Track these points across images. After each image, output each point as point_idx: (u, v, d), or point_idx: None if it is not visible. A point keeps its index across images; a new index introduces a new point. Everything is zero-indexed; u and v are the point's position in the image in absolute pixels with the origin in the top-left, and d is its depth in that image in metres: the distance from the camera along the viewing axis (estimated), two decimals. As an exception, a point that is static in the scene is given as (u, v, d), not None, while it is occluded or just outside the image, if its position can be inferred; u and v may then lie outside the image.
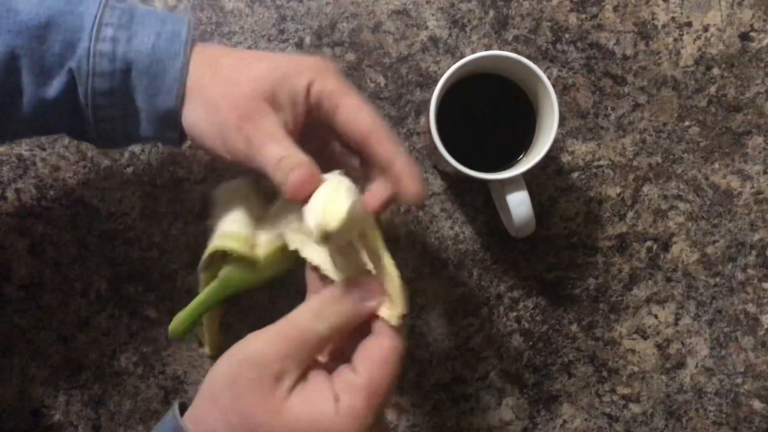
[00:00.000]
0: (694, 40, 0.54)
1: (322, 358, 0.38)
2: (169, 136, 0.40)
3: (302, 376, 0.34)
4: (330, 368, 0.36)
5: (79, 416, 0.52)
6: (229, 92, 0.37)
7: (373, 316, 0.36)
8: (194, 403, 0.35)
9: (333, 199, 0.34)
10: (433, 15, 0.54)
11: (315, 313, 0.35)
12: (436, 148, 0.45)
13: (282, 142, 0.36)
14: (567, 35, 0.54)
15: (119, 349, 0.52)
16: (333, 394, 0.33)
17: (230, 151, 0.37)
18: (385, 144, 0.38)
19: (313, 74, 0.38)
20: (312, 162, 0.36)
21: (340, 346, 0.38)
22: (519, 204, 0.46)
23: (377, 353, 0.35)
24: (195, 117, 0.38)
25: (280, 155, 0.36)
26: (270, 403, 0.33)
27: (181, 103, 0.38)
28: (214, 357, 0.46)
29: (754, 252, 0.54)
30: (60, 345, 0.52)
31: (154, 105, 0.38)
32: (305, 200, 0.35)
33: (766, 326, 0.54)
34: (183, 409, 0.35)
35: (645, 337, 0.54)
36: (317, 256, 0.38)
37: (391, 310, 0.36)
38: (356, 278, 0.36)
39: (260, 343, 0.34)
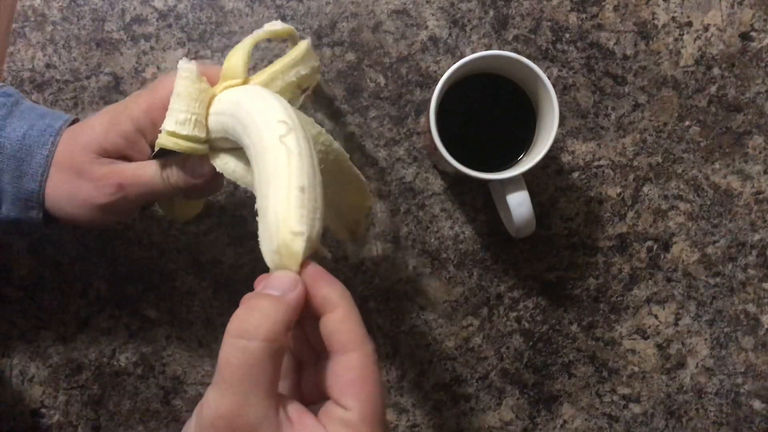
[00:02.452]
0: (695, 39, 0.54)
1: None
2: (32, 217, 0.42)
3: (280, 416, 0.29)
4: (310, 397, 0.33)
5: (79, 416, 0.52)
6: (76, 168, 0.41)
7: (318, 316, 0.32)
8: None
9: (286, 214, 0.32)
10: (433, 15, 0.54)
11: (242, 331, 0.29)
12: (436, 148, 0.45)
13: (148, 167, 0.41)
14: (567, 35, 0.54)
15: (119, 349, 0.52)
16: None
17: (115, 212, 0.41)
18: None
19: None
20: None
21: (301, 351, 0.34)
22: (519, 204, 0.46)
23: (355, 374, 0.30)
24: (67, 203, 0.41)
25: (158, 169, 0.41)
26: None
27: (45, 185, 0.41)
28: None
29: (754, 252, 0.54)
30: (60, 345, 0.52)
31: (19, 186, 0.41)
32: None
33: (766, 326, 0.54)
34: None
35: (645, 337, 0.54)
36: (232, 164, 0.39)
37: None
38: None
39: (213, 407, 0.29)
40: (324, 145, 0.40)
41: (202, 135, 0.39)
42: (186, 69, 0.40)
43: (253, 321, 0.29)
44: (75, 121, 0.44)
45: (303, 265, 0.32)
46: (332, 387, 0.31)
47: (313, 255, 0.33)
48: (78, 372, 0.52)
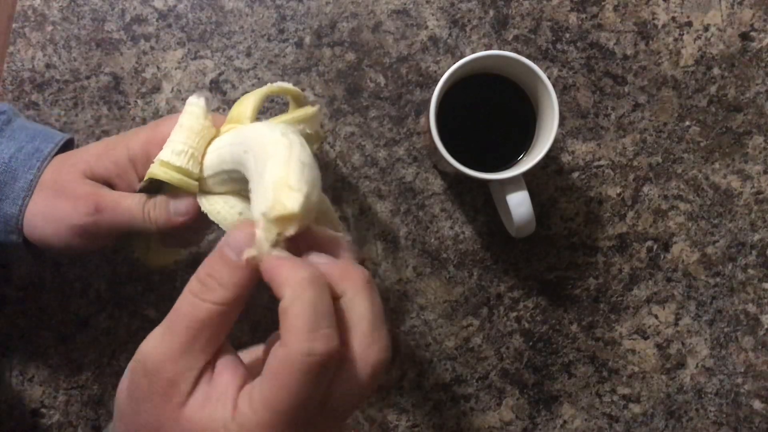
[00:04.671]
0: (695, 39, 0.54)
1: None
2: (12, 240, 0.42)
3: (206, 370, 0.29)
4: None
5: (79, 416, 0.52)
6: (60, 187, 0.41)
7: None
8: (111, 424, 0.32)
9: (285, 175, 0.30)
10: (433, 15, 0.54)
11: (198, 289, 0.29)
12: (436, 148, 0.45)
13: (130, 198, 0.41)
14: (567, 35, 0.54)
15: (119, 349, 0.52)
16: (233, 399, 0.28)
17: (89, 236, 0.41)
18: None
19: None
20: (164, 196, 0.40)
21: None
22: (519, 204, 0.46)
23: (276, 365, 0.28)
24: (43, 222, 0.41)
25: (141, 203, 0.40)
26: (166, 414, 0.28)
27: (25, 210, 0.41)
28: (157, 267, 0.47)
29: (754, 252, 0.54)
30: (60, 345, 0.52)
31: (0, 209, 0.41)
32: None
33: (766, 326, 0.54)
34: None
35: (645, 337, 0.54)
36: (215, 204, 0.38)
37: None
38: (241, 224, 0.30)
39: (150, 345, 0.29)
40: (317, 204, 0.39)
41: (196, 171, 0.39)
42: (194, 104, 0.40)
43: (209, 283, 0.29)
44: (69, 141, 0.44)
45: (290, 239, 0.30)
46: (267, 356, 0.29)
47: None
48: (78, 372, 0.52)
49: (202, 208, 0.39)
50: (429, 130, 0.46)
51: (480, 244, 0.54)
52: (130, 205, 0.40)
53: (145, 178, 0.39)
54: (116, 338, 0.52)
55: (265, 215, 0.29)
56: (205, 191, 0.40)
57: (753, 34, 0.55)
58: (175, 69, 0.53)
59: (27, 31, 0.53)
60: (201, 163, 0.39)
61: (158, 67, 0.53)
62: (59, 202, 0.40)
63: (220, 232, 0.52)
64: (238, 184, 0.38)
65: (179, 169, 0.38)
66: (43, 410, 0.52)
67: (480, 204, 0.54)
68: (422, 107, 0.53)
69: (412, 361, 0.53)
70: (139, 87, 0.53)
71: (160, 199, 0.40)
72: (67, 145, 0.44)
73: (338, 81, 0.53)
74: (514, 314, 0.54)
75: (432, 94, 0.45)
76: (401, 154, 0.53)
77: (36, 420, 0.52)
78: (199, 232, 0.44)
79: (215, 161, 0.39)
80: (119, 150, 0.41)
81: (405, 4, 0.54)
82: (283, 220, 0.29)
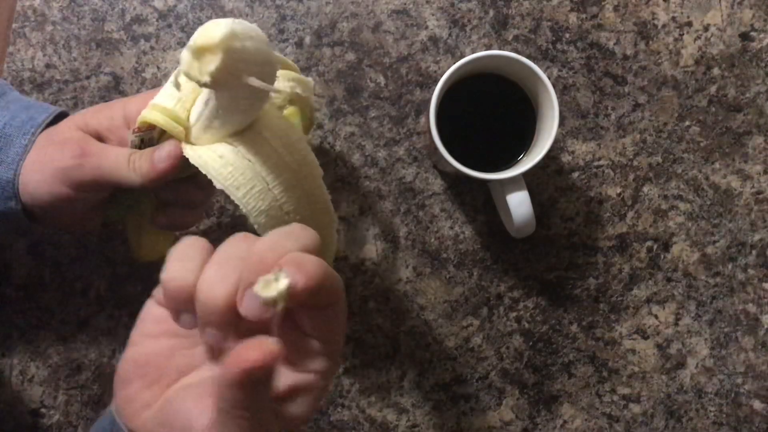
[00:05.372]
0: (695, 39, 0.54)
1: None
2: (11, 207, 0.42)
3: None
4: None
5: (79, 416, 0.52)
6: (51, 136, 0.41)
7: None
8: None
9: (222, 19, 0.29)
10: (433, 15, 0.54)
11: (237, 413, 0.28)
12: (436, 148, 0.45)
13: (118, 148, 0.41)
14: (567, 35, 0.54)
15: (119, 349, 0.52)
16: None
17: (73, 182, 0.40)
18: None
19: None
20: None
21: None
22: (519, 204, 0.46)
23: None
24: (32, 169, 0.41)
25: (127, 153, 0.40)
26: None
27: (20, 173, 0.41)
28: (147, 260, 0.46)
29: (754, 252, 0.54)
30: (60, 345, 0.52)
31: None
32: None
33: (766, 326, 0.54)
34: None
35: (645, 337, 0.54)
36: (203, 153, 0.38)
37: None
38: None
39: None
40: (300, 154, 0.39)
41: (182, 116, 0.39)
42: None
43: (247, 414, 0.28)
44: (61, 114, 0.45)
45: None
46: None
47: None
48: (78, 372, 0.52)
49: (185, 153, 0.39)
50: (429, 130, 0.46)
51: (480, 244, 0.54)
52: (116, 153, 0.40)
53: (136, 124, 0.40)
54: (116, 338, 0.52)
55: (189, 47, 0.28)
56: (192, 143, 0.40)
57: (753, 34, 0.55)
58: (175, 69, 0.53)
59: (27, 31, 0.53)
60: (188, 112, 0.39)
61: (158, 67, 0.53)
62: (48, 147, 0.41)
63: (221, 233, 0.52)
64: (222, 125, 0.38)
65: (165, 110, 0.39)
66: (43, 410, 0.52)
67: (480, 204, 0.54)
68: (422, 107, 0.53)
69: (412, 361, 0.53)
70: (139, 87, 0.53)
71: (145, 150, 0.41)
72: (60, 119, 0.45)
73: (338, 81, 0.53)
74: (514, 314, 0.54)
75: (432, 94, 0.45)
76: (401, 154, 0.53)
77: (36, 420, 0.52)
78: (194, 208, 0.44)
79: (199, 104, 0.39)
80: (115, 108, 0.42)
81: (405, 4, 0.54)
82: (203, 50, 0.28)
